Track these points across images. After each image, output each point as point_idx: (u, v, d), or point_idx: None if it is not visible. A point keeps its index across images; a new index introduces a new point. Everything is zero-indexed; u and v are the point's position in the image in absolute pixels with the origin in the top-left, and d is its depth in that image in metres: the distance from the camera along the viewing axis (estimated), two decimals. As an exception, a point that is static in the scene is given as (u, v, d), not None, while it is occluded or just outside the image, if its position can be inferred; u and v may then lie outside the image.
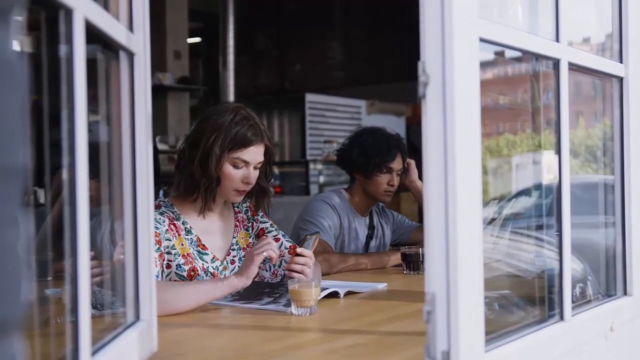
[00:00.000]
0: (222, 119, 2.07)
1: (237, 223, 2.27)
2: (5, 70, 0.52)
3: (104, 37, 1.15)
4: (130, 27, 1.30)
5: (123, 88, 1.30)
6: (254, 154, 2.10)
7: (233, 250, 2.23)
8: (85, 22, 1.00)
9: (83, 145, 0.98)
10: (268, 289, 2.07)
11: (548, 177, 1.83)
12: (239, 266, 2.18)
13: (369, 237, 3.04)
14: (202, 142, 2.06)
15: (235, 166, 2.09)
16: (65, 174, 0.98)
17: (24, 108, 0.56)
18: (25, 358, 0.60)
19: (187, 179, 2.11)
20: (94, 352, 1.04)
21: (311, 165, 7.43)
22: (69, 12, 0.96)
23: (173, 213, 2.12)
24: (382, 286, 2.28)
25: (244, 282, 1.89)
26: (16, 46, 0.56)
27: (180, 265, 2.05)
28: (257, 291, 2.05)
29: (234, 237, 2.24)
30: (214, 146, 2.04)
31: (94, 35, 1.07)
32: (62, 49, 0.98)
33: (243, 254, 2.23)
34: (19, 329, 0.56)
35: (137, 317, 1.32)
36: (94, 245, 1.03)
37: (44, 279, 1.34)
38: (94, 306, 1.18)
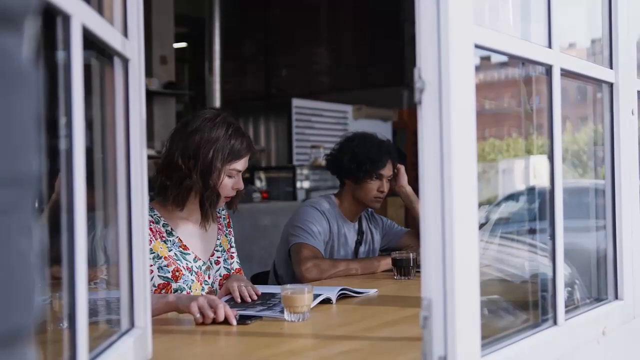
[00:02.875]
0: (217, 133, 2.14)
1: (220, 226, 2.35)
2: (19, 78, 0.52)
3: (99, 43, 1.14)
4: (125, 33, 1.30)
5: (117, 94, 1.29)
6: (246, 162, 2.23)
7: (217, 251, 2.30)
8: (82, 28, 0.99)
9: (80, 150, 0.98)
10: (261, 300, 2.07)
11: (535, 182, 1.84)
12: (224, 267, 2.28)
13: (358, 243, 3.03)
14: (200, 156, 2.12)
15: (230, 176, 2.19)
16: (61, 180, 0.97)
17: (37, 116, 0.55)
18: None
19: (184, 190, 2.14)
20: (90, 360, 1.04)
21: (298, 171, 7.40)
22: (66, 18, 0.95)
23: (152, 216, 2.16)
24: (373, 292, 2.28)
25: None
26: (28, 54, 0.55)
27: (162, 267, 2.11)
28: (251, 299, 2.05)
29: (218, 239, 2.32)
30: (215, 161, 2.13)
31: (89, 40, 1.06)
32: (59, 55, 0.97)
33: (226, 255, 2.32)
34: (32, 337, 0.55)
35: (132, 325, 1.31)
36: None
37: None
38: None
